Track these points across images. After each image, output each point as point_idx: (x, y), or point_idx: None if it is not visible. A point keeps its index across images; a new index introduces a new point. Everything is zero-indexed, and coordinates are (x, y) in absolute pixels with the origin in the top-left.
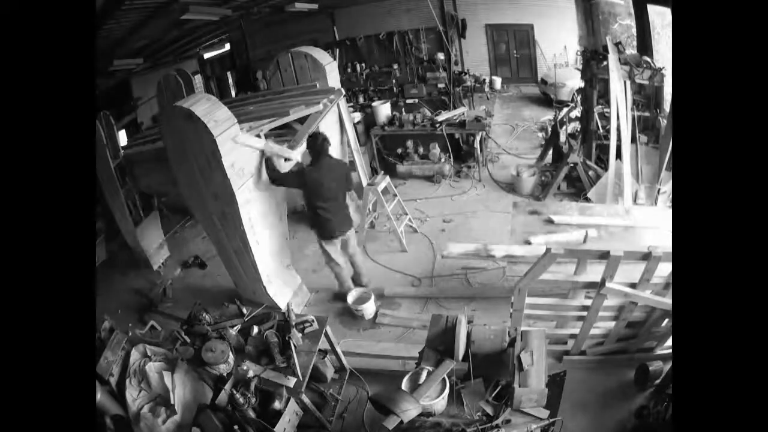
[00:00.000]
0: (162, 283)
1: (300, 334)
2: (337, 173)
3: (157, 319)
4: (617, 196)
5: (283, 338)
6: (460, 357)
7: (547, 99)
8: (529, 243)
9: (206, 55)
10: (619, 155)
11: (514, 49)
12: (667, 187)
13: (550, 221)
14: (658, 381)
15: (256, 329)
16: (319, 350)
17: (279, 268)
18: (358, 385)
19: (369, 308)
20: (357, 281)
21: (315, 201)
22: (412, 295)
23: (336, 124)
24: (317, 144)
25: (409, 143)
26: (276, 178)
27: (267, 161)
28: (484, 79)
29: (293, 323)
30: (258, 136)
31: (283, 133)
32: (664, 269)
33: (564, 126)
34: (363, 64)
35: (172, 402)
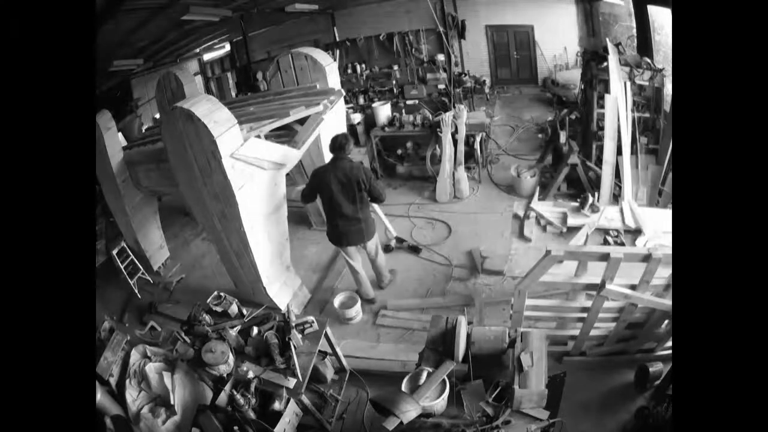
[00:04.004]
0: (161, 283)
1: (300, 335)
2: (344, 174)
3: (156, 320)
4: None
5: (283, 339)
6: (460, 358)
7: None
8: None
9: (206, 56)
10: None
11: (515, 50)
12: (667, 188)
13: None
14: (658, 382)
15: (255, 330)
16: (319, 351)
17: (279, 268)
18: (358, 386)
19: (355, 312)
20: (379, 282)
21: (324, 205)
22: (415, 306)
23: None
24: (335, 143)
25: (409, 144)
26: (302, 194)
27: None
28: (484, 80)
29: (293, 324)
30: (258, 137)
31: (284, 134)
32: (664, 270)
33: (564, 127)
34: (363, 65)
35: (171, 402)
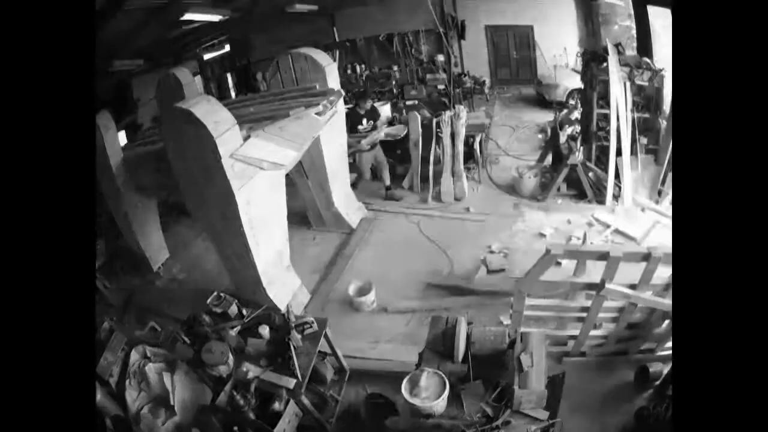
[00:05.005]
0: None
1: (299, 336)
2: None
3: (156, 320)
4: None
5: (283, 339)
6: (460, 358)
7: (542, 99)
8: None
9: (206, 57)
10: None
11: (514, 50)
12: (667, 188)
13: None
14: (658, 382)
15: None
16: (319, 352)
17: (279, 269)
18: (358, 386)
19: (369, 300)
20: None
21: None
22: (415, 308)
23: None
24: None
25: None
26: None
27: None
28: (484, 81)
29: (293, 324)
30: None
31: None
32: (664, 270)
33: (564, 127)
34: (363, 66)
35: (171, 403)
